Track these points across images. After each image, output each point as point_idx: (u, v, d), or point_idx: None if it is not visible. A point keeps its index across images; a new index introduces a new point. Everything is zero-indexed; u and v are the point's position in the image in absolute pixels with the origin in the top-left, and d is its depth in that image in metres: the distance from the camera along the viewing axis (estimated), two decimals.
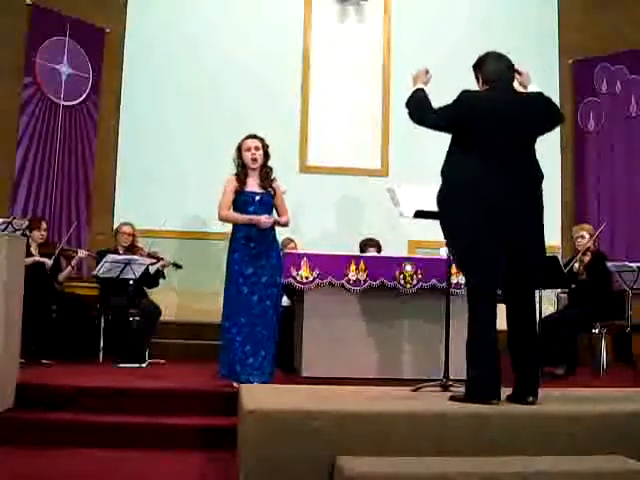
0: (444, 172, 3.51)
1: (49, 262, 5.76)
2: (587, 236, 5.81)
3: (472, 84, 3.67)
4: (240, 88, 7.09)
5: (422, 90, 3.60)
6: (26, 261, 5.54)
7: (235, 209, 4.66)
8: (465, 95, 3.50)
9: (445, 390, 3.85)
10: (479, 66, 3.63)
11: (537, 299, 4.16)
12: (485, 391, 3.27)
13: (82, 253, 6.03)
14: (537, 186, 3.48)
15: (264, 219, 4.55)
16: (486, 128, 3.40)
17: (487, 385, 3.28)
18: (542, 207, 3.48)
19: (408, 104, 3.58)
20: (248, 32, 7.22)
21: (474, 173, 3.37)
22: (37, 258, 5.74)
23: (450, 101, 3.49)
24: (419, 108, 3.54)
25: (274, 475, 2.85)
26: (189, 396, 4.35)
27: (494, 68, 3.56)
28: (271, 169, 4.72)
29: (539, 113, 3.53)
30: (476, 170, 3.37)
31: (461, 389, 3.74)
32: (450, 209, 3.45)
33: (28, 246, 5.85)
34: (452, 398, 3.44)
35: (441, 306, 4.20)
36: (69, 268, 6.07)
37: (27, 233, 5.89)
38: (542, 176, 3.50)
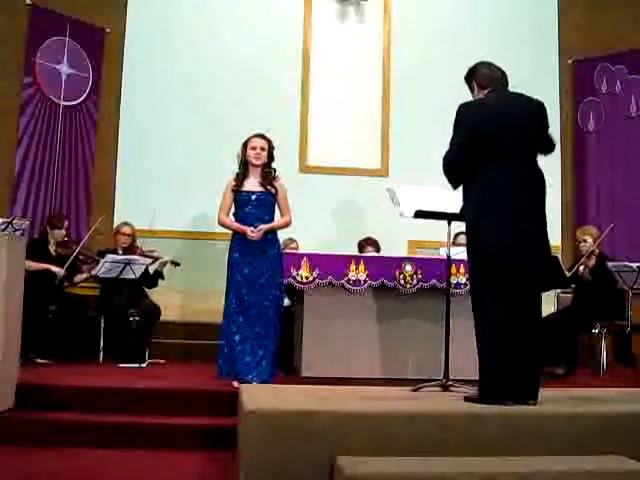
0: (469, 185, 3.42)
1: (61, 273, 5.64)
2: (590, 240, 5.81)
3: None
4: (240, 88, 7.09)
5: None
6: (39, 266, 5.55)
7: (235, 208, 4.68)
8: (466, 107, 3.44)
9: (445, 390, 3.85)
10: (471, 75, 3.60)
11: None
12: (498, 392, 3.25)
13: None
14: (543, 188, 3.46)
15: (249, 232, 4.55)
16: (500, 131, 3.34)
17: (500, 386, 3.26)
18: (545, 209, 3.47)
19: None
20: (248, 32, 7.21)
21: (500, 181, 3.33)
22: (51, 267, 5.62)
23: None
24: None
25: (274, 475, 2.85)
26: (189, 396, 4.34)
27: (488, 72, 3.55)
28: (274, 170, 4.73)
29: (540, 119, 3.50)
30: (501, 177, 3.33)
31: (461, 389, 3.74)
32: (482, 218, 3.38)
33: (47, 243, 5.84)
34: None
35: (441, 306, 4.20)
36: (86, 275, 5.98)
37: (48, 229, 5.88)
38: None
